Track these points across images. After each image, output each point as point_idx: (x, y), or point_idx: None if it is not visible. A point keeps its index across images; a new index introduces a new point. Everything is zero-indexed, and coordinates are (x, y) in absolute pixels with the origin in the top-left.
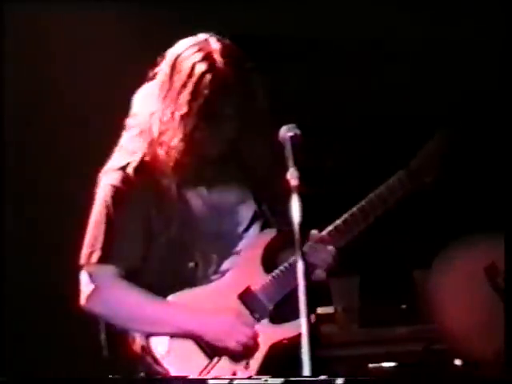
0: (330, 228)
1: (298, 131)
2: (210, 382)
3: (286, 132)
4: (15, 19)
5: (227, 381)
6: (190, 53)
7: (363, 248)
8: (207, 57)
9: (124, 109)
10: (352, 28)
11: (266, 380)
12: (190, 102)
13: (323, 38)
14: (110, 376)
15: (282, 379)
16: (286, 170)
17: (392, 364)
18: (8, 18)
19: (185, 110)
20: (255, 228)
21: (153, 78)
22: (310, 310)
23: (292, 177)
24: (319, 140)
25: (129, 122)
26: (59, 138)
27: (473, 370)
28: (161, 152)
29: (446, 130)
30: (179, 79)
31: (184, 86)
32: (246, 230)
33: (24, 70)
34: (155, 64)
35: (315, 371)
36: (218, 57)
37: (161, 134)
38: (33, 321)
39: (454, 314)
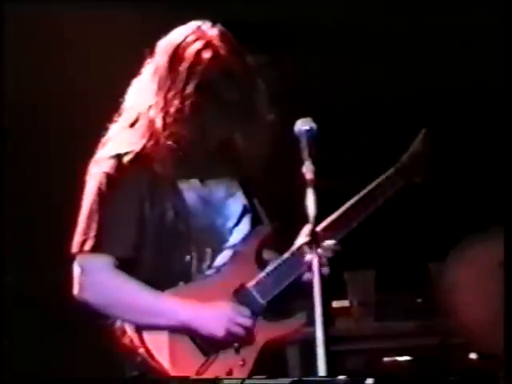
0: (323, 224)
1: (313, 125)
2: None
3: (301, 125)
4: (15, 19)
5: (239, 381)
6: (190, 41)
7: (379, 242)
8: (209, 44)
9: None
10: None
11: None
12: (200, 90)
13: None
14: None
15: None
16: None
17: (407, 358)
18: (8, 18)
19: (195, 98)
20: (245, 223)
21: (143, 72)
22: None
23: (307, 170)
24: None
25: (120, 115)
26: (59, 138)
27: (488, 364)
28: (168, 143)
29: (431, 127)
30: (184, 68)
31: (191, 74)
32: (236, 224)
33: (24, 70)
34: (145, 58)
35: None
36: (218, 43)
37: (168, 125)
38: (32, 320)
39: (469, 307)
